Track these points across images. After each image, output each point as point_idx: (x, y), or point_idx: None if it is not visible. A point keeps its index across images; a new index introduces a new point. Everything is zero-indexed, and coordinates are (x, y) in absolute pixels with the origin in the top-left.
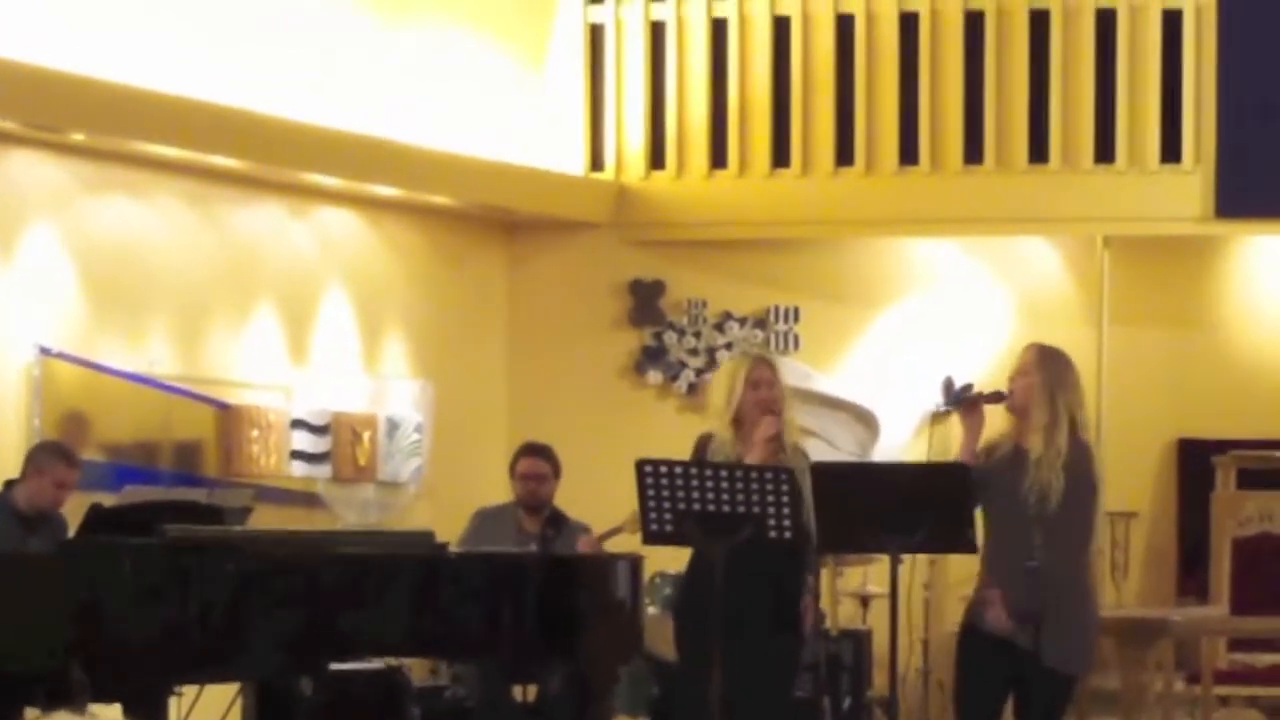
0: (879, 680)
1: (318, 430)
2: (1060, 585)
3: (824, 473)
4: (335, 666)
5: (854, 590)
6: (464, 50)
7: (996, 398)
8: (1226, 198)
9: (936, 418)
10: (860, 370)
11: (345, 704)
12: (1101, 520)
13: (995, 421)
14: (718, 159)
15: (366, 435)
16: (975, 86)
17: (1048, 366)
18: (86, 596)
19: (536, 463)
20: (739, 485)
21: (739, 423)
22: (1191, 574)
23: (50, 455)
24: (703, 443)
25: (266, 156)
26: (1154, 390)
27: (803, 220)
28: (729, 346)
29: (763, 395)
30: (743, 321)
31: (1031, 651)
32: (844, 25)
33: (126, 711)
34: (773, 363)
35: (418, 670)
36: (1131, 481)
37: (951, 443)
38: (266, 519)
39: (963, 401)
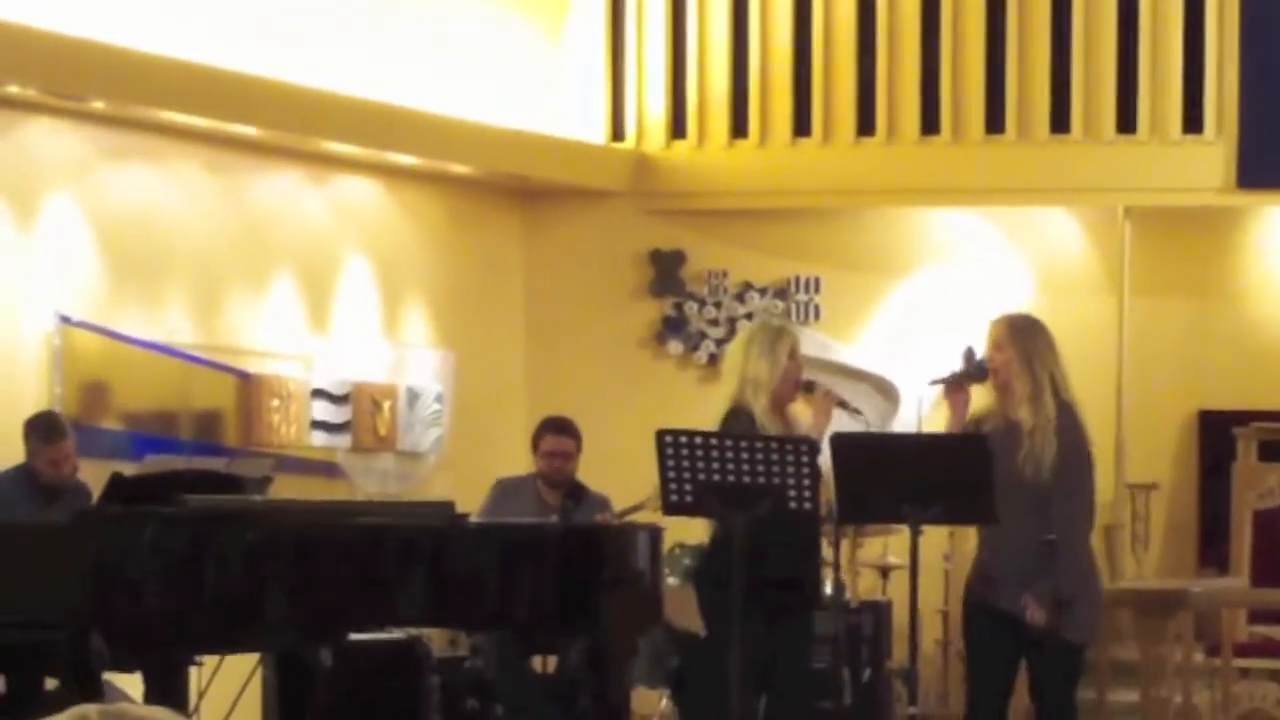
0: (899, 652)
1: (338, 400)
2: (1067, 554)
3: (844, 444)
4: (355, 637)
5: (874, 562)
6: (484, 17)
7: (981, 373)
8: (1248, 168)
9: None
10: (881, 341)
11: (365, 674)
12: (1104, 483)
13: (979, 395)
14: (739, 128)
15: (387, 405)
16: (997, 56)
17: (1019, 337)
18: (107, 566)
19: (562, 440)
20: (759, 456)
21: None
22: (1212, 546)
23: (33, 438)
24: (744, 417)
25: (286, 124)
26: (1175, 362)
27: (824, 190)
28: (749, 317)
29: (797, 367)
30: (763, 292)
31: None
32: None
33: (147, 682)
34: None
35: (437, 641)
36: (1152, 453)
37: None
38: (286, 489)
39: (946, 380)
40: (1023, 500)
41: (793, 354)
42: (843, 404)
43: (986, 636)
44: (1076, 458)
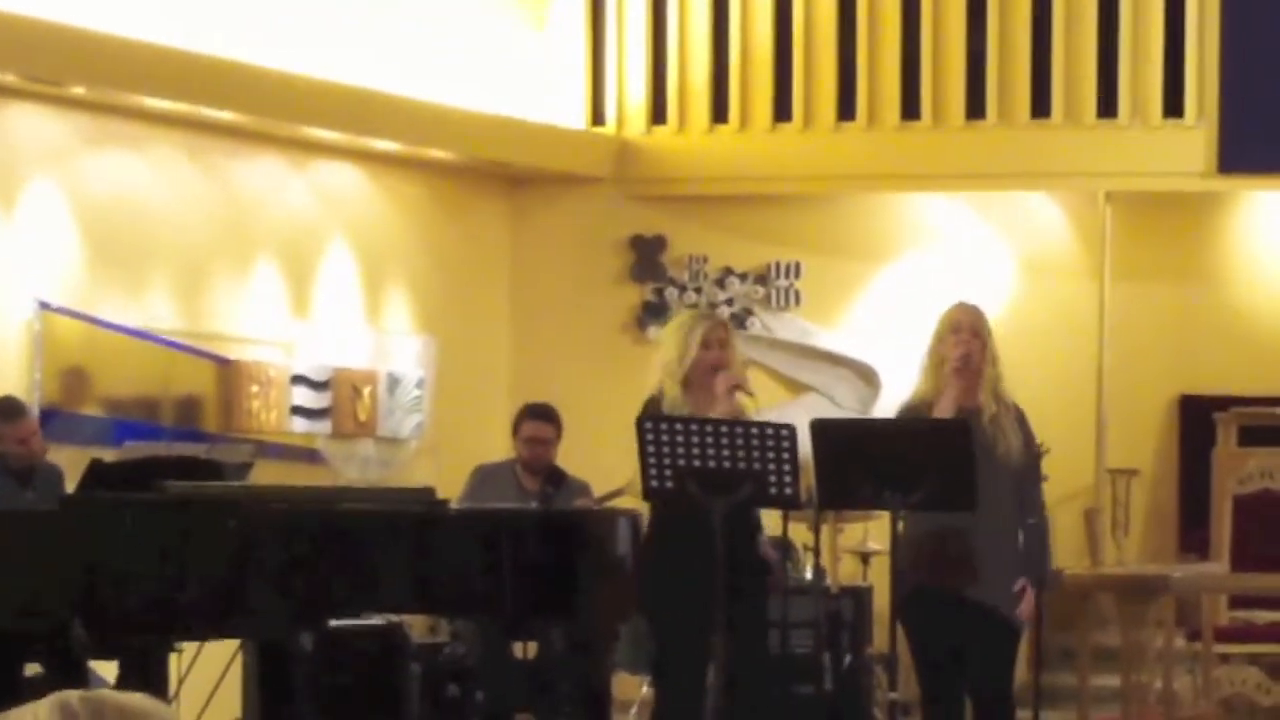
0: (879, 637)
1: (318, 386)
2: (1045, 539)
3: (825, 429)
4: (335, 623)
5: (854, 547)
6: (466, 3)
7: (965, 360)
8: (1230, 153)
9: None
10: (862, 326)
11: (345, 660)
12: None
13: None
14: (719, 113)
15: (367, 391)
16: (978, 40)
17: (987, 326)
18: (87, 553)
19: (542, 427)
20: (740, 442)
21: (688, 382)
22: (1192, 531)
23: None
24: (653, 404)
25: (267, 110)
26: (1156, 347)
27: (804, 175)
28: (730, 302)
29: (715, 356)
30: (744, 277)
31: (988, 605)
32: None
33: (123, 668)
34: (729, 325)
35: (417, 627)
36: (1133, 438)
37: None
38: (267, 475)
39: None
40: (988, 486)
41: (708, 343)
42: (738, 387)
43: (929, 619)
44: (1034, 446)
